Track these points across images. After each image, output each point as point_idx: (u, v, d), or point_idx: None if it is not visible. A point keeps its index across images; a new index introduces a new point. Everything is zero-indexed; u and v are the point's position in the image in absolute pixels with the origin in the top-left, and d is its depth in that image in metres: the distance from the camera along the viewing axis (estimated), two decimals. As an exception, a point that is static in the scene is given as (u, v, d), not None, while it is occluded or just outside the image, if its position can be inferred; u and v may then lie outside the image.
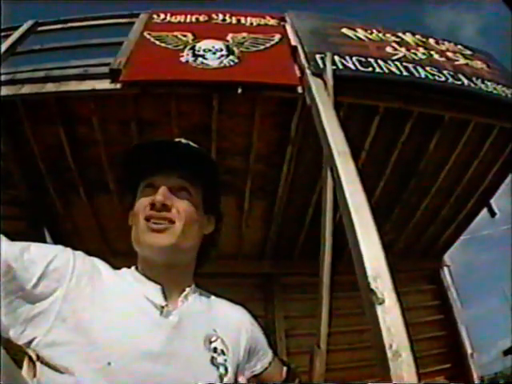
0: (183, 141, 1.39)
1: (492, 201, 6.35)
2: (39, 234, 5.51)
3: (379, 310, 2.25)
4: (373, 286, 2.34)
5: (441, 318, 6.75)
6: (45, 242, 5.33)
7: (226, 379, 1.19)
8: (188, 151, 1.34)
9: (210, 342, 1.23)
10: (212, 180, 1.42)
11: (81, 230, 5.69)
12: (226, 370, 1.21)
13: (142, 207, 1.25)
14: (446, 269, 7.10)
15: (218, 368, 1.19)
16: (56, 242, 5.51)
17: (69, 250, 1.19)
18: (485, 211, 6.50)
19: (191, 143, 1.39)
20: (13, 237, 1.09)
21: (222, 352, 1.24)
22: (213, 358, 1.20)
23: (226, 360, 1.23)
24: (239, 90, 4.20)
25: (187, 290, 1.30)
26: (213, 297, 1.44)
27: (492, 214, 6.42)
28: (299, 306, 5.98)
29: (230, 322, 1.37)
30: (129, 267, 1.32)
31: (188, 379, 1.11)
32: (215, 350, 1.22)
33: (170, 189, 1.26)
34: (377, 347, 2.22)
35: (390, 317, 2.22)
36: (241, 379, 1.35)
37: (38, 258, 1.08)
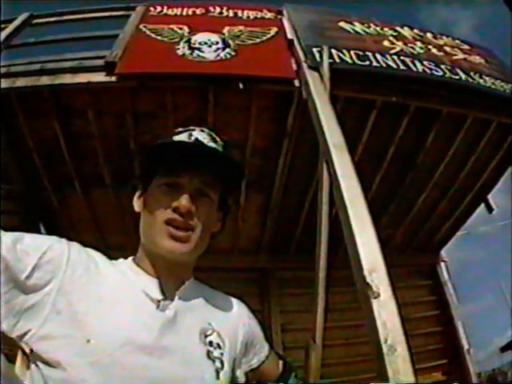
0: (205, 132, 1.33)
1: (489, 196, 6.35)
2: (34, 228, 5.48)
3: (375, 304, 2.24)
4: (368, 279, 2.33)
5: (437, 313, 6.76)
6: (40, 235, 5.31)
7: (222, 373, 1.18)
8: (215, 155, 1.28)
9: (206, 336, 1.21)
10: (234, 185, 1.41)
11: (76, 224, 5.68)
12: (222, 363, 1.20)
13: (162, 207, 1.22)
14: (442, 264, 7.10)
15: (213, 362, 1.18)
16: (51, 235, 5.48)
17: (64, 240, 1.17)
18: (482, 207, 6.49)
19: (216, 137, 1.34)
20: (8, 231, 1.07)
21: (218, 346, 1.23)
22: (208, 351, 1.19)
23: (222, 354, 1.22)
24: (240, 85, 4.19)
25: (186, 283, 1.28)
26: (211, 290, 1.42)
27: (489, 209, 6.41)
28: (295, 301, 5.99)
29: (228, 316, 1.36)
30: (125, 258, 1.30)
31: (183, 373, 1.10)
32: (211, 343, 1.21)
33: (193, 193, 1.23)
34: (372, 341, 2.22)
35: (385, 311, 2.21)
36: (238, 373, 1.34)
37: (32, 248, 1.06)
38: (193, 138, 1.28)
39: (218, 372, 1.17)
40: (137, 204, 1.33)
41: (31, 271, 1.04)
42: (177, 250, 1.19)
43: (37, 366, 1.03)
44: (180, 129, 1.34)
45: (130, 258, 1.30)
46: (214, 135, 1.34)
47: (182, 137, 1.29)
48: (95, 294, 1.10)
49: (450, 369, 6.38)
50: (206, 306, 1.31)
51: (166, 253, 1.19)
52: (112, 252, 1.29)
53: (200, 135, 1.30)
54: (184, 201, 1.19)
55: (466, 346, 6.48)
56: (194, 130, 1.32)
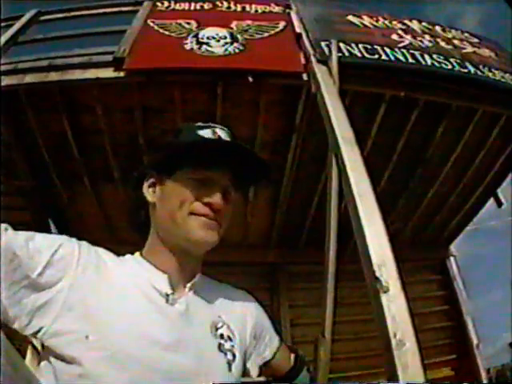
0: (225, 131, 1.32)
1: (499, 191, 6.31)
2: (44, 224, 5.52)
3: (384, 298, 2.23)
4: (378, 274, 2.32)
5: (447, 308, 6.74)
6: (49, 231, 5.35)
7: (233, 365, 1.20)
8: (248, 155, 1.28)
9: (217, 329, 1.23)
10: (253, 185, 1.42)
11: (85, 220, 5.70)
12: (234, 356, 1.22)
13: (189, 200, 1.21)
14: (452, 259, 7.07)
15: (225, 354, 1.20)
16: (61, 231, 5.51)
17: (74, 240, 1.18)
18: (491, 201, 6.46)
19: (235, 137, 1.34)
20: (17, 227, 1.08)
21: (229, 338, 1.24)
22: (220, 344, 1.20)
23: (233, 346, 1.23)
24: (250, 79, 4.19)
25: (196, 277, 1.28)
26: (218, 283, 1.43)
27: (499, 204, 6.38)
28: (304, 295, 6.00)
29: (236, 308, 1.37)
30: (132, 254, 1.31)
31: (197, 366, 1.12)
32: (222, 336, 1.22)
33: (223, 190, 1.24)
34: (381, 336, 2.21)
35: (394, 305, 2.20)
36: (249, 365, 1.36)
37: (44, 246, 1.07)
38: (217, 135, 1.28)
39: (229, 364, 1.19)
40: (150, 194, 1.30)
41: (43, 269, 1.05)
42: (208, 239, 1.21)
43: (49, 361, 1.04)
44: (200, 123, 1.33)
45: (137, 253, 1.30)
46: (233, 134, 1.34)
47: (207, 132, 1.28)
48: (106, 291, 1.11)
49: (459, 364, 6.36)
50: (215, 299, 1.32)
51: (195, 242, 1.20)
52: (122, 247, 1.30)
53: (222, 133, 1.30)
54: (217, 198, 1.21)
55: (475, 341, 6.46)
56: (215, 127, 1.32)
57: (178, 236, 1.22)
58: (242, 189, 1.38)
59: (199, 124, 1.33)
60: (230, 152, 1.25)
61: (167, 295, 1.18)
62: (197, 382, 1.10)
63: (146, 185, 1.32)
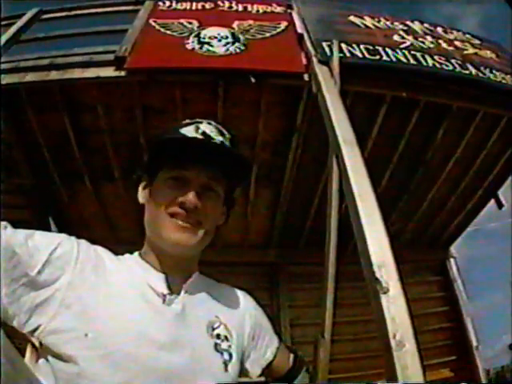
0: (213, 125, 1.30)
1: (499, 192, 6.31)
2: (44, 222, 5.52)
3: (384, 299, 2.23)
4: (377, 275, 2.31)
5: (446, 309, 6.73)
6: (50, 230, 5.33)
7: (230, 365, 1.19)
8: (223, 150, 1.26)
9: (213, 329, 1.22)
10: (239, 180, 1.39)
11: (86, 219, 5.70)
12: (231, 356, 1.21)
13: (168, 201, 1.21)
14: (452, 260, 7.07)
15: (222, 354, 1.19)
16: (61, 230, 5.51)
17: (73, 238, 1.18)
18: (492, 203, 6.45)
19: (223, 130, 1.31)
20: (17, 226, 1.08)
21: (226, 338, 1.23)
22: (216, 344, 1.20)
23: (230, 346, 1.23)
24: (252, 80, 4.19)
25: (192, 277, 1.28)
26: (216, 283, 1.42)
27: (499, 205, 6.37)
28: (304, 296, 6.00)
29: (234, 308, 1.36)
30: (131, 253, 1.31)
31: (193, 366, 1.11)
32: (218, 336, 1.22)
33: (199, 188, 1.22)
34: (381, 337, 2.20)
35: (394, 306, 2.20)
36: (248, 366, 1.36)
37: (43, 245, 1.07)
38: (200, 131, 1.26)
39: (226, 364, 1.18)
40: (141, 195, 1.33)
41: (42, 267, 1.04)
42: (183, 242, 1.19)
43: (47, 360, 1.04)
44: (187, 121, 1.33)
45: (137, 253, 1.30)
46: (221, 128, 1.32)
47: (189, 129, 1.27)
48: (104, 290, 1.11)
49: (459, 365, 6.35)
50: (213, 298, 1.31)
51: (172, 245, 1.20)
52: (122, 246, 1.30)
53: (207, 128, 1.28)
54: (191, 196, 1.19)
55: (474, 343, 6.45)
56: (201, 122, 1.30)
57: (158, 237, 1.22)
58: (233, 184, 1.37)
59: (186, 121, 1.33)
60: (208, 148, 1.24)
61: (164, 295, 1.18)
62: (193, 381, 1.10)
63: (140, 187, 1.34)
